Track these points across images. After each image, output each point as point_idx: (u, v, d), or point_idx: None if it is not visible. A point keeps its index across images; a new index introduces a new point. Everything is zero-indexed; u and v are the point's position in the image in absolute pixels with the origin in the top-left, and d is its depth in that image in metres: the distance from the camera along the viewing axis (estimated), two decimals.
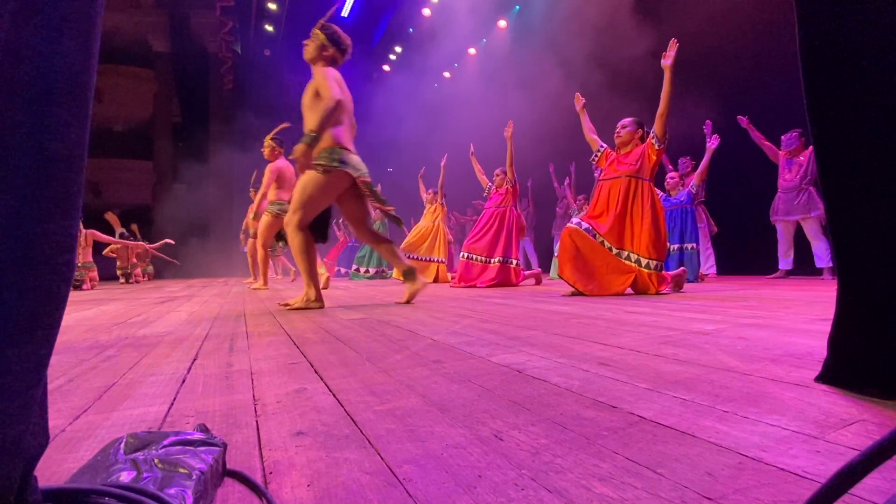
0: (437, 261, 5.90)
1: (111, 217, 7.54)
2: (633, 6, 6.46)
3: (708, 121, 4.78)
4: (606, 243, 3.04)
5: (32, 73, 0.31)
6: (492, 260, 4.51)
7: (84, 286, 5.61)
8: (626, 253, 3.02)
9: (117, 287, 6.35)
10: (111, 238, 6.50)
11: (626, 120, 3.28)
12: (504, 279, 4.47)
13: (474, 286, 4.39)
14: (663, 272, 3.03)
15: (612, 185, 3.16)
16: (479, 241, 4.59)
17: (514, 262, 4.56)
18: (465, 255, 4.63)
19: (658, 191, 4.86)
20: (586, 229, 3.06)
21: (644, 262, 2.97)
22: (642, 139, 3.19)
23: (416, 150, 11.08)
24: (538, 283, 4.74)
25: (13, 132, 0.30)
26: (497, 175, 4.76)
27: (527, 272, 4.78)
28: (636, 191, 3.07)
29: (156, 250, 8.79)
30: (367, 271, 7.58)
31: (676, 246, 4.77)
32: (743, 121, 4.72)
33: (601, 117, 4.35)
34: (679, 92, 5.84)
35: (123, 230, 7.73)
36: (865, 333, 0.71)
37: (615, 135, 3.27)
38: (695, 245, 4.73)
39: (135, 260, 8.07)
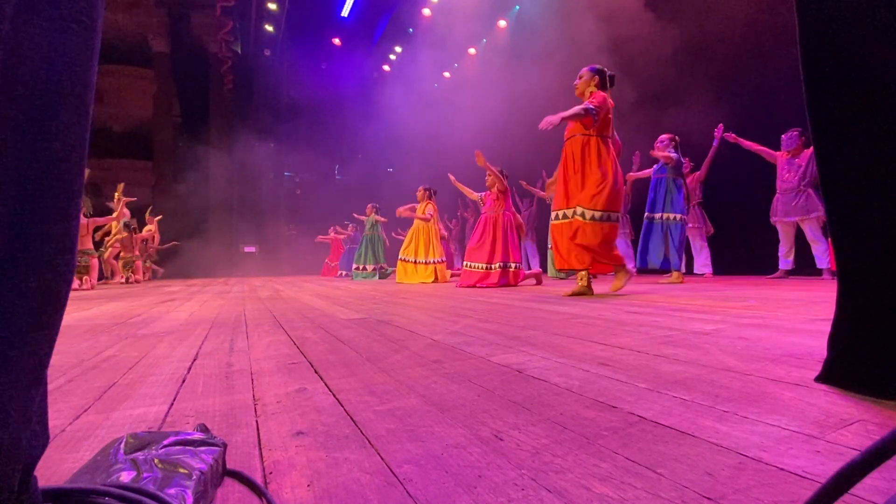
0: (435, 262, 5.90)
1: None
2: (634, 5, 6.47)
3: (721, 125, 4.74)
4: (560, 214, 3.02)
5: (33, 73, 0.31)
6: (492, 266, 4.54)
7: (84, 286, 5.61)
8: (571, 211, 2.98)
9: (117, 287, 6.35)
10: (111, 218, 6.51)
11: (583, 70, 3.11)
12: (506, 283, 4.50)
13: (475, 287, 4.41)
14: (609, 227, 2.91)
15: (567, 145, 3.08)
16: (479, 250, 4.64)
17: (514, 265, 4.59)
18: (467, 264, 4.67)
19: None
20: (554, 216, 3.07)
21: (589, 214, 2.90)
22: (599, 86, 3.02)
23: (417, 149, 11.09)
24: (539, 283, 4.75)
25: (14, 132, 0.30)
26: (489, 175, 4.76)
27: (527, 272, 4.79)
28: (587, 147, 2.96)
29: (159, 245, 8.91)
30: (364, 268, 7.59)
31: (659, 215, 4.60)
32: (730, 137, 4.70)
33: None
34: (680, 92, 5.85)
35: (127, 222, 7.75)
36: (865, 333, 0.71)
37: (574, 86, 3.15)
38: (672, 215, 4.51)
39: (137, 252, 8.10)
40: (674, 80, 5.96)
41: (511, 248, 4.60)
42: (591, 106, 2.85)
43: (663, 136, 4.71)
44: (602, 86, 3.03)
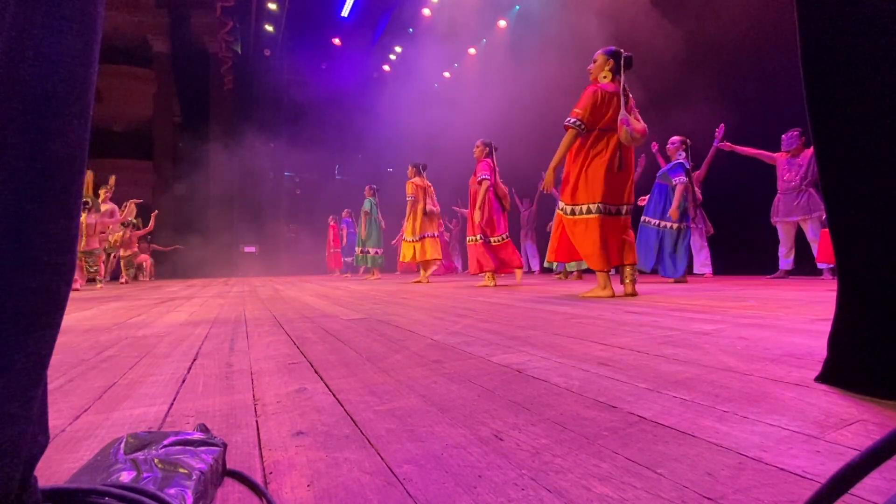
0: (414, 240, 5.88)
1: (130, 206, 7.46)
2: (636, 5, 6.47)
3: (722, 125, 4.74)
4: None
5: (33, 74, 0.31)
6: (476, 238, 4.51)
7: (81, 284, 5.62)
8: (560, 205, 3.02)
9: (117, 287, 6.35)
10: (118, 219, 6.55)
11: (598, 53, 2.94)
12: (495, 257, 4.43)
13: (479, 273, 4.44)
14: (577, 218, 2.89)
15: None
16: (469, 223, 4.64)
17: (496, 239, 4.47)
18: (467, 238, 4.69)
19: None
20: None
21: (561, 206, 2.96)
22: (613, 70, 2.85)
23: (417, 149, 11.09)
24: (517, 282, 4.67)
25: (14, 132, 0.30)
26: (477, 147, 4.67)
27: (520, 259, 4.68)
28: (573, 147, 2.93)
29: (159, 246, 8.89)
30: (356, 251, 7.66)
31: (656, 221, 4.63)
32: (725, 146, 4.71)
33: None
34: (681, 92, 5.85)
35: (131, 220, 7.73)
36: (865, 333, 0.71)
37: (588, 71, 3.01)
38: (673, 224, 4.55)
39: (136, 248, 8.10)
40: (675, 81, 5.96)
41: (487, 221, 4.48)
42: (569, 122, 2.80)
43: (675, 139, 4.70)
44: (616, 70, 2.86)
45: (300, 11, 12.08)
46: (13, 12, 0.30)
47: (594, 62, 2.93)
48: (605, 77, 2.87)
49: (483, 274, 4.64)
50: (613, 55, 2.86)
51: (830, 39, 0.71)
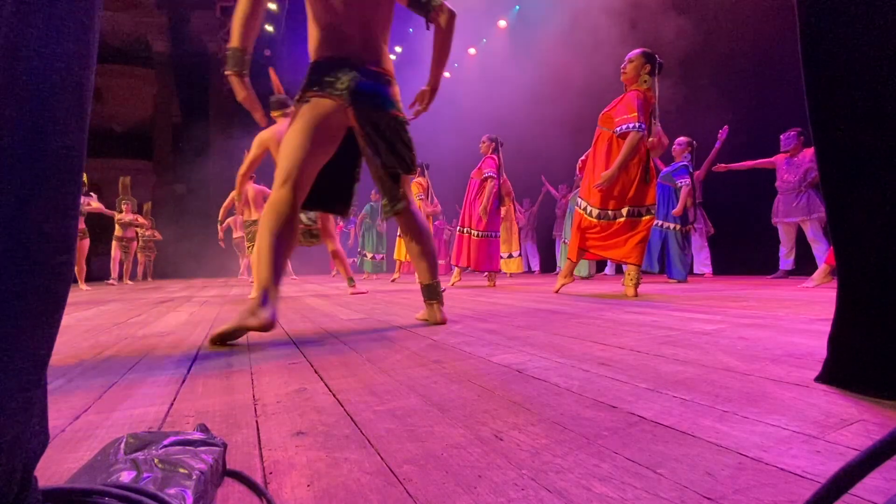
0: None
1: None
2: (638, 5, 6.47)
3: (726, 126, 4.74)
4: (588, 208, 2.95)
5: (31, 73, 0.31)
6: (461, 230, 4.48)
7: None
8: (582, 204, 2.97)
9: (116, 287, 6.35)
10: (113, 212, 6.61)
11: (633, 53, 2.80)
12: (459, 248, 4.40)
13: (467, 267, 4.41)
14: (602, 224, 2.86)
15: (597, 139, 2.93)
16: (462, 215, 4.60)
17: (473, 231, 4.39)
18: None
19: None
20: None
21: (584, 206, 2.91)
22: (650, 73, 2.75)
23: (417, 149, 11.09)
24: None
25: (12, 132, 0.30)
26: (483, 142, 4.57)
27: (500, 257, 4.54)
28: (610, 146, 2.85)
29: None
30: (373, 256, 7.61)
31: (660, 223, 4.67)
32: (720, 168, 4.75)
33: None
34: (683, 92, 5.85)
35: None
36: (865, 333, 0.71)
37: (621, 71, 2.86)
38: (676, 225, 4.62)
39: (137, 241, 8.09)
40: (676, 81, 5.97)
41: (472, 211, 4.44)
42: (631, 126, 2.70)
43: (681, 139, 4.72)
44: (652, 74, 2.76)
45: (300, 11, 12.03)
46: (10, 12, 0.30)
47: (629, 62, 2.81)
48: (644, 82, 2.77)
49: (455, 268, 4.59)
50: (651, 58, 2.76)
51: (831, 40, 0.71)
